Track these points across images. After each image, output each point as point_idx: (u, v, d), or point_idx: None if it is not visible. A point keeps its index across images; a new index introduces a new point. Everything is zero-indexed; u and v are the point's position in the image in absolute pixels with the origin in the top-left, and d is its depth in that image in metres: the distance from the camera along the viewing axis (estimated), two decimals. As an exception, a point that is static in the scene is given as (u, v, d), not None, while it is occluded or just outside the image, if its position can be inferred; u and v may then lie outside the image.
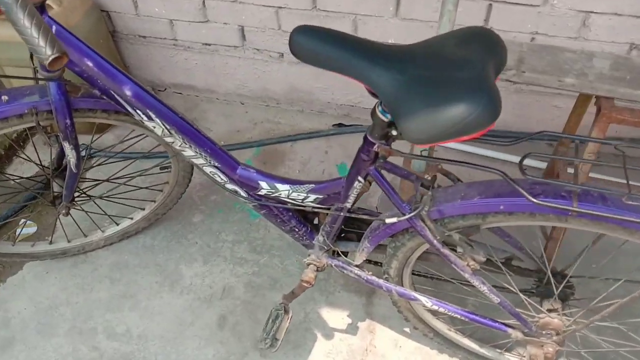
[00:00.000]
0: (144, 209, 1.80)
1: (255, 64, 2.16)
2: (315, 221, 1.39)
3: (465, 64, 0.86)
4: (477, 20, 1.76)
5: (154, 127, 1.17)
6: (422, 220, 1.04)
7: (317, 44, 0.89)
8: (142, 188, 1.77)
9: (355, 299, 1.65)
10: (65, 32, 1.05)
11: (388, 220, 1.08)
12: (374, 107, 0.95)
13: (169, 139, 1.20)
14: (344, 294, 1.67)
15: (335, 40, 0.89)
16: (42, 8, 1.00)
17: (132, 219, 1.81)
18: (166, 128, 1.17)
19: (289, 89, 2.22)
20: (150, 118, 1.16)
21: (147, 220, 1.82)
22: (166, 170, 1.66)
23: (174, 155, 1.56)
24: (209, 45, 2.16)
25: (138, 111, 1.15)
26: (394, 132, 0.95)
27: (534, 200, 0.90)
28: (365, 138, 1.02)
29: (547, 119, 2.01)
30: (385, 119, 0.94)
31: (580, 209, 0.89)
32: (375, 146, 1.01)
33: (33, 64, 1.21)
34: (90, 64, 1.08)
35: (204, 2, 2.00)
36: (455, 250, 1.10)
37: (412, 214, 1.03)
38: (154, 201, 1.78)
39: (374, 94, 0.92)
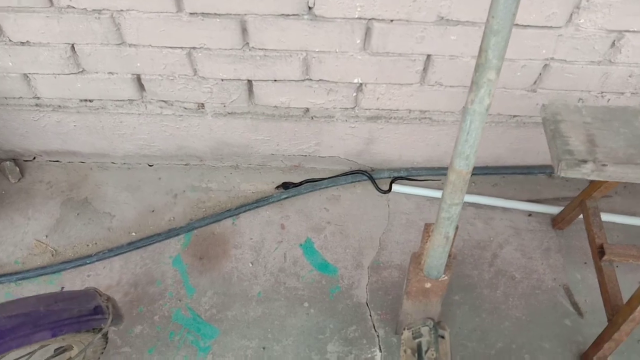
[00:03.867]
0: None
1: (163, 120, 1.53)
2: None
3: None
4: (474, 48, 1.29)
5: None
6: None
7: None
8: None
9: None
10: None
11: None
12: None
13: None
14: None
15: None
16: None
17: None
18: None
19: (216, 145, 1.63)
20: None
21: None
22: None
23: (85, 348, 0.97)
24: (90, 101, 1.49)
25: None
26: None
27: None
28: None
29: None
30: None
31: None
32: None
33: None
34: None
35: (72, 47, 1.32)
36: None
37: None
38: (53, 379, 1.17)
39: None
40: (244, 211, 1.61)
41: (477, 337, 1.39)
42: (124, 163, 1.71)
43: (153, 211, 1.62)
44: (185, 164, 1.72)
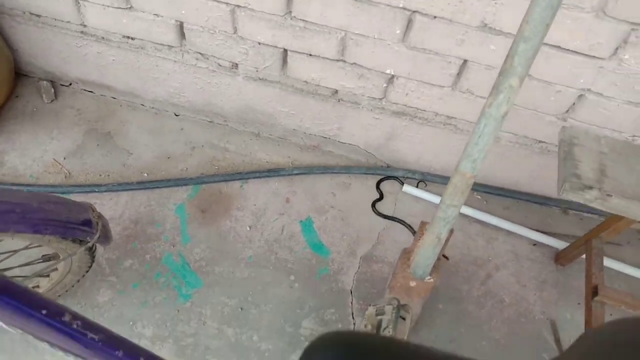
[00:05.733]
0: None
1: (197, 72, 1.57)
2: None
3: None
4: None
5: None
6: None
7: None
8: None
9: None
10: None
11: None
12: None
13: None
14: None
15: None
16: None
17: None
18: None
19: (242, 108, 1.66)
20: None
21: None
22: (52, 261, 1.11)
23: (69, 256, 1.01)
24: (132, 39, 1.54)
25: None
26: None
27: None
28: None
29: (569, 184, 1.60)
30: None
31: None
32: None
33: None
34: None
35: (125, -18, 1.37)
36: None
37: None
38: (38, 287, 1.22)
39: None
40: (254, 177, 1.64)
41: (451, 349, 1.38)
42: (152, 107, 1.76)
43: (169, 158, 1.66)
44: (210, 121, 1.75)
